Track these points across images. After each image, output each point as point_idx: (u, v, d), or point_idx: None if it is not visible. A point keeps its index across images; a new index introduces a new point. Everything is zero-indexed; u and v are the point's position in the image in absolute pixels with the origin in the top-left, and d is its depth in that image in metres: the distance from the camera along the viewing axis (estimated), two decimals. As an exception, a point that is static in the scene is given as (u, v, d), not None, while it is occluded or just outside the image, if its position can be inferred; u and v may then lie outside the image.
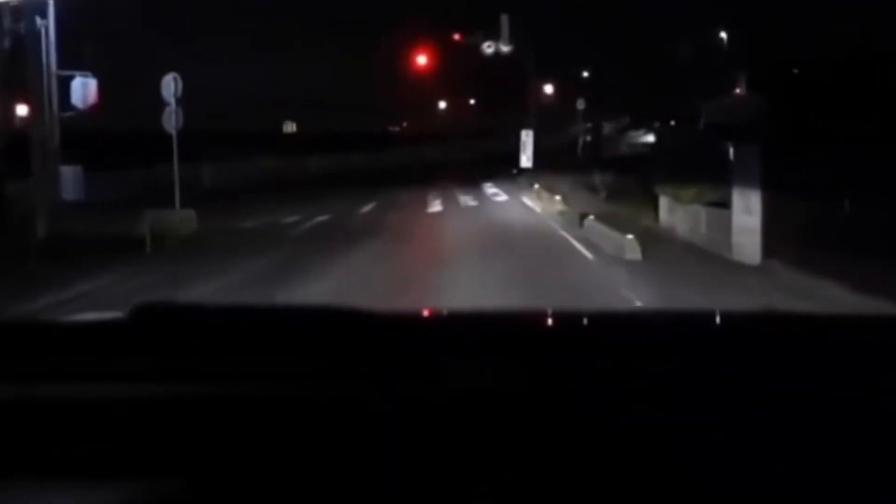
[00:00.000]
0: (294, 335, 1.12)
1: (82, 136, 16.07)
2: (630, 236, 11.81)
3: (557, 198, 18.93)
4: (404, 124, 61.08)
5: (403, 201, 22.61)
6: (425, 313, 1.47)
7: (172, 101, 16.29)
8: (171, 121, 16.29)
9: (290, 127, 52.25)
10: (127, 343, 1.10)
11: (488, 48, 31.35)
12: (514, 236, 14.59)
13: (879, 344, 1.11)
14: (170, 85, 16.30)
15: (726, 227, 11.81)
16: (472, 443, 0.84)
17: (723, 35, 36.52)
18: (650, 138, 32.25)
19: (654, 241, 12.72)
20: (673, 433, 0.85)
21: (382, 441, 0.85)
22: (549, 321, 1.35)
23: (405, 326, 1.27)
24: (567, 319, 1.34)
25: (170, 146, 15.99)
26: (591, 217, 14.44)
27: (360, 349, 1.04)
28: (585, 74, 38.97)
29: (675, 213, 14.21)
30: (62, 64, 15.00)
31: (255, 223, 17.37)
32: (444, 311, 1.58)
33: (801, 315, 1.61)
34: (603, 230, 12.97)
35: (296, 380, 0.96)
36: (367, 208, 20.35)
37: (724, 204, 11.99)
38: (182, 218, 15.28)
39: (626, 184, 19.85)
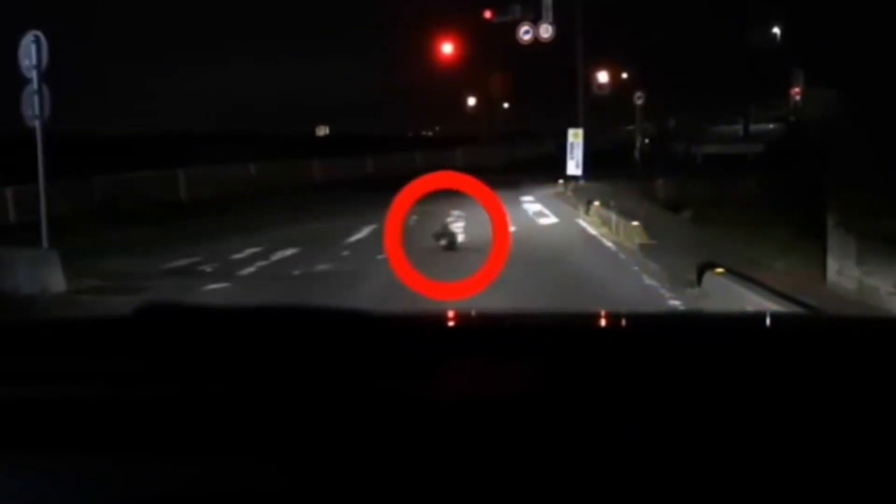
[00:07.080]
0: (296, 335, 1.11)
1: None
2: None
3: (636, 223, 12.60)
4: (437, 128, 60.30)
5: (411, 223, 16.35)
6: (425, 313, 1.58)
7: (34, 74, 10.32)
8: (35, 105, 10.32)
9: (322, 130, 49.85)
10: (130, 342, 1.11)
11: (525, 34, 27.24)
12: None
13: (879, 344, 1.12)
14: (30, 50, 10.33)
15: None
16: (471, 443, 0.84)
17: (776, 31, 35.49)
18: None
19: None
20: (674, 436, 0.85)
21: (382, 441, 0.85)
22: (550, 323, 1.36)
23: (405, 326, 1.28)
24: (567, 321, 1.37)
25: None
26: (720, 270, 8.19)
27: (361, 349, 1.05)
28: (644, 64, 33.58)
29: (873, 265, 7.81)
30: None
31: (175, 264, 11.50)
32: (445, 312, 1.46)
33: (803, 316, 1.53)
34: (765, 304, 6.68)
35: (296, 379, 0.96)
36: (358, 236, 14.25)
37: None
38: (29, 264, 9.29)
39: (708, 197, 15.12)
